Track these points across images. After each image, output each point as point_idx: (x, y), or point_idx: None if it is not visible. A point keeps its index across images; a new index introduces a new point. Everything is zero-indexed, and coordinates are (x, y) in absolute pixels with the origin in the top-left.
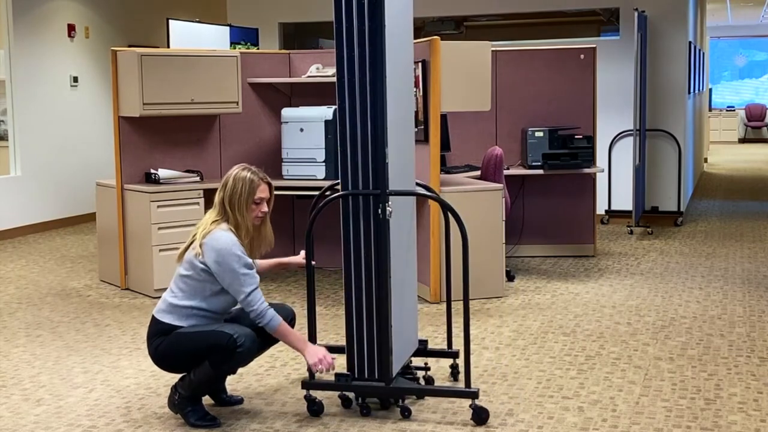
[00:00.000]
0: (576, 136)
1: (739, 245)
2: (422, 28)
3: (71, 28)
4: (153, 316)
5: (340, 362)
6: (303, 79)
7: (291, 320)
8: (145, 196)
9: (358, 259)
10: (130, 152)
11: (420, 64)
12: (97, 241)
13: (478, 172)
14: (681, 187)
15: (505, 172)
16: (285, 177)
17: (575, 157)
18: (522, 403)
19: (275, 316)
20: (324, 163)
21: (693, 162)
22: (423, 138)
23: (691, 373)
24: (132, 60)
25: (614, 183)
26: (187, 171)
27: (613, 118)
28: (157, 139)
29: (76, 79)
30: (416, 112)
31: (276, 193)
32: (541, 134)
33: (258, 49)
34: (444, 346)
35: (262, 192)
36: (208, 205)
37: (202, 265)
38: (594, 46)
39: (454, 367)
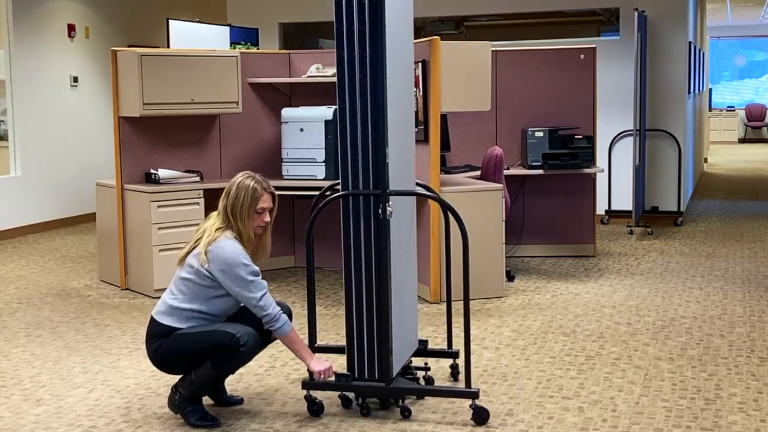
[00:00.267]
0: (576, 136)
1: (739, 245)
2: (422, 28)
3: (71, 28)
4: (152, 318)
5: (340, 362)
6: (303, 79)
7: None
8: (145, 196)
9: (358, 259)
10: (130, 152)
11: (420, 64)
12: (97, 241)
13: (478, 172)
14: (681, 187)
15: (505, 172)
16: (285, 177)
17: (575, 157)
18: (522, 403)
19: (287, 321)
20: (324, 163)
21: (693, 162)
22: (423, 138)
23: (691, 373)
24: (132, 60)
25: (614, 183)
26: (187, 171)
27: (613, 118)
28: (157, 139)
29: (76, 79)
30: (416, 112)
31: (276, 193)
32: (541, 134)
33: (258, 49)
34: (444, 346)
35: (265, 202)
36: (208, 205)
37: (206, 272)
38: (594, 46)
39: (454, 367)
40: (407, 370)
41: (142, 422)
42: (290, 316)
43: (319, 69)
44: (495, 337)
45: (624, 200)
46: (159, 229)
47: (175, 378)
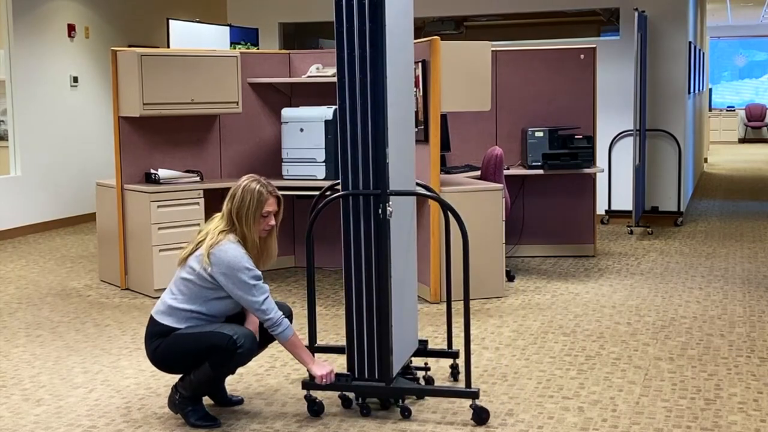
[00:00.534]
0: (576, 136)
1: (739, 245)
2: (422, 28)
3: (71, 28)
4: (151, 317)
5: (340, 362)
6: (303, 79)
7: (288, 318)
8: (145, 196)
9: (358, 259)
10: (130, 152)
11: (420, 64)
12: (97, 241)
13: (478, 172)
14: (681, 187)
15: (505, 172)
16: (285, 177)
17: (575, 157)
18: (522, 403)
19: (289, 326)
20: (324, 163)
21: (693, 162)
22: (423, 138)
23: (691, 373)
24: (132, 60)
25: (614, 183)
26: (187, 171)
27: (613, 118)
28: (157, 139)
29: (76, 79)
30: (416, 112)
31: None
32: (541, 134)
33: (258, 49)
34: (444, 346)
35: (270, 206)
36: (208, 205)
37: (207, 275)
38: (594, 46)
39: (454, 367)
40: (407, 370)
41: (142, 422)
42: (291, 317)
43: (319, 69)
44: (495, 337)
45: (624, 200)
46: (159, 229)
47: (176, 378)
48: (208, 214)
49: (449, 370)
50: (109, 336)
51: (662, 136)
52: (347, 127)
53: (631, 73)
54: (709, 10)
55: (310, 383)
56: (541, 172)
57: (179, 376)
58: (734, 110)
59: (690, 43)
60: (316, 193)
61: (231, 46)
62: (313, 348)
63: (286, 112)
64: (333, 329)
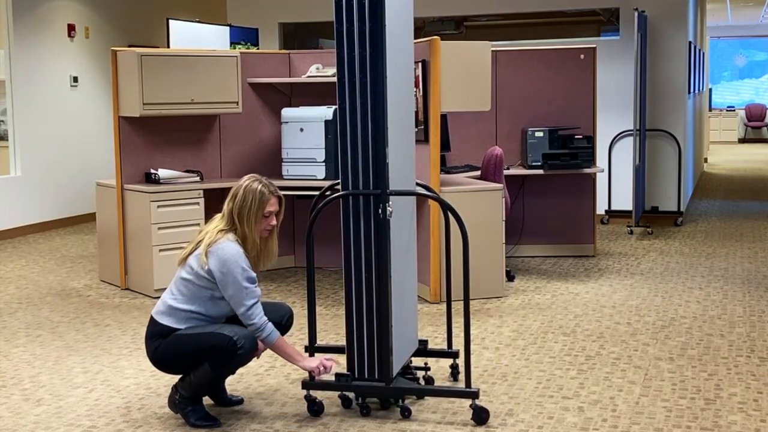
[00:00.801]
0: (576, 136)
1: (739, 245)
2: (422, 28)
3: (71, 28)
4: (152, 317)
5: (340, 362)
6: (303, 79)
7: (289, 319)
8: (145, 196)
9: (358, 259)
10: (130, 152)
11: (420, 64)
12: (97, 241)
13: (478, 172)
14: (681, 187)
15: (505, 172)
16: (285, 177)
17: (575, 157)
18: (522, 403)
19: (273, 330)
20: (324, 163)
21: (693, 162)
22: (423, 138)
23: (691, 373)
24: (132, 60)
25: (614, 183)
26: (187, 171)
27: (613, 118)
28: (157, 139)
29: (76, 79)
30: (416, 112)
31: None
32: (541, 134)
33: (258, 49)
34: (444, 346)
35: (272, 206)
36: (208, 205)
37: (205, 273)
38: (594, 46)
39: (454, 367)
40: (407, 370)
41: (142, 422)
42: (291, 317)
43: (319, 69)
44: (495, 337)
45: (624, 200)
46: (159, 229)
47: (176, 378)
48: (208, 214)
49: (449, 370)
50: (109, 336)
51: (662, 136)
52: (347, 127)
53: (631, 73)
54: (709, 10)
55: (310, 383)
56: (541, 172)
57: (179, 376)
58: (734, 110)
59: (690, 43)
60: (316, 193)
61: (231, 46)
62: (313, 348)
63: (286, 112)
64: (333, 329)
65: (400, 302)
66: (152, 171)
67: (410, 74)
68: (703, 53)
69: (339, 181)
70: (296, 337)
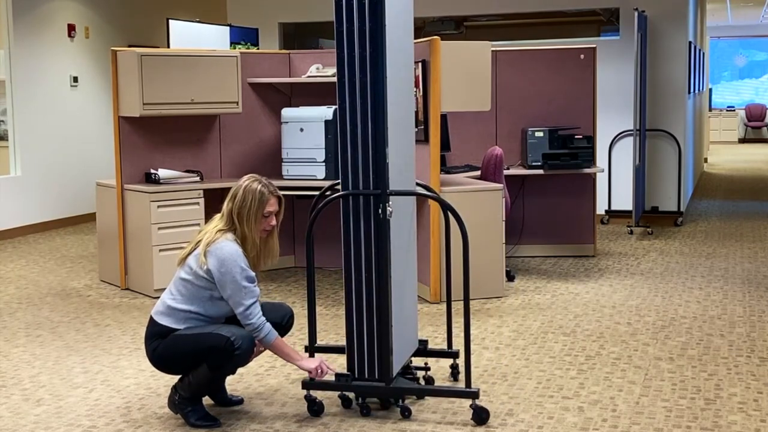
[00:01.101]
0: (576, 136)
1: (739, 245)
2: (422, 28)
3: (71, 28)
4: (151, 318)
5: (340, 362)
6: (303, 79)
7: (289, 319)
8: (145, 196)
9: (358, 259)
10: (130, 152)
11: (420, 64)
12: (97, 241)
13: (478, 172)
14: (681, 187)
15: (505, 172)
16: (285, 177)
17: (575, 157)
18: (522, 403)
19: (271, 330)
20: (324, 163)
21: (693, 162)
22: (423, 138)
23: (691, 373)
24: (132, 60)
25: (614, 183)
26: (187, 171)
27: (613, 118)
28: (157, 139)
29: (76, 79)
30: (416, 112)
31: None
32: (541, 134)
33: (258, 49)
34: (444, 346)
35: (272, 206)
36: (208, 204)
37: (204, 273)
38: (594, 46)
39: (454, 367)
40: (407, 370)
41: (142, 422)
42: (291, 318)
43: (319, 69)
44: (495, 337)
45: (624, 200)
46: (159, 229)
47: (176, 378)
48: (208, 214)
49: (449, 370)
50: (109, 336)
51: (662, 136)
52: (347, 127)
53: (631, 73)
54: (709, 10)
55: (310, 383)
56: (541, 172)
57: (179, 376)
58: (734, 110)
59: (690, 43)
60: (316, 193)
61: (231, 46)
62: (313, 348)
63: (286, 112)
64: (333, 329)
65: (400, 302)
66: (152, 171)
67: (410, 74)
68: (703, 53)
69: (339, 181)
70: (296, 337)
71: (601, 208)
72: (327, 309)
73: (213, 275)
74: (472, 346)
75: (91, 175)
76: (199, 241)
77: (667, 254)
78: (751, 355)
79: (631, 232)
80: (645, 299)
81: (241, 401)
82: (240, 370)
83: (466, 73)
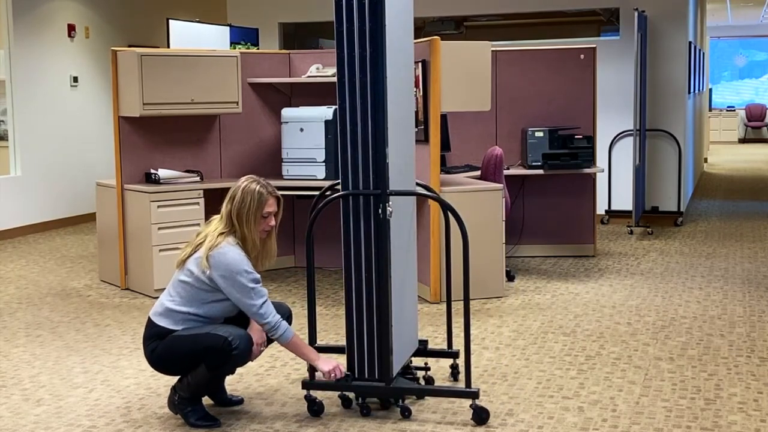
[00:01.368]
0: (576, 136)
1: (739, 245)
2: (422, 28)
3: (71, 28)
4: (149, 319)
5: (340, 362)
6: (303, 79)
7: (288, 318)
8: (145, 196)
9: (358, 259)
10: (130, 152)
11: (420, 64)
12: (97, 241)
13: (478, 172)
14: (681, 187)
15: (505, 172)
16: (285, 177)
17: (575, 157)
18: (522, 403)
19: (288, 328)
20: (324, 163)
21: (693, 162)
22: (423, 138)
23: (691, 373)
24: (132, 60)
25: (614, 183)
26: (187, 171)
27: (613, 118)
28: (157, 139)
29: (76, 79)
30: (416, 112)
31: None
32: (541, 134)
33: (258, 49)
34: (444, 346)
35: (271, 206)
36: (208, 204)
37: (206, 279)
38: (594, 46)
39: (454, 367)
40: (407, 370)
41: (142, 422)
42: (290, 317)
43: (319, 69)
44: (495, 337)
45: (624, 200)
46: (159, 229)
47: (176, 378)
48: (208, 214)
49: (449, 370)
50: (109, 336)
51: (662, 136)
52: (347, 127)
53: (631, 73)
54: (709, 10)
55: (310, 383)
56: (541, 172)
57: (178, 376)
58: (734, 110)
59: (690, 43)
60: (316, 193)
61: (231, 46)
62: (313, 348)
63: (286, 112)
64: (333, 329)
65: (400, 302)
66: (152, 171)
67: (410, 74)
68: (703, 53)
69: (339, 181)
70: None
71: (601, 208)
72: (327, 309)
73: (217, 281)
74: (472, 346)
75: (91, 175)
76: (200, 244)
77: (667, 254)
78: (751, 355)
79: (631, 232)
80: (645, 299)
81: (241, 401)
82: (240, 370)
83: (466, 73)
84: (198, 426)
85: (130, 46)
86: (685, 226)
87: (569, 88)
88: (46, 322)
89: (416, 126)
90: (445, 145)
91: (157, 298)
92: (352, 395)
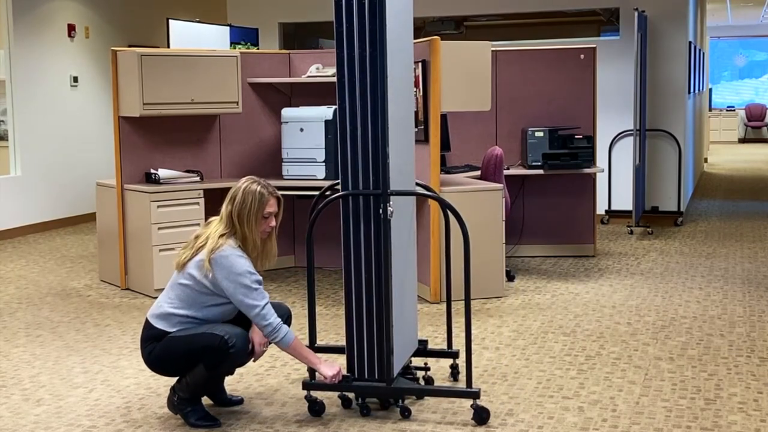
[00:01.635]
0: (576, 136)
1: (739, 245)
2: (422, 28)
3: (71, 28)
4: (147, 320)
5: (340, 362)
6: (303, 79)
7: (287, 319)
8: (145, 196)
9: (358, 259)
10: (130, 152)
11: (420, 64)
12: (97, 241)
13: (478, 172)
14: (681, 187)
15: (505, 172)
16: (285, 177)
17: (575, 157)
18: (522, 403)
19: (289, 331)
20: (324, 163)
21: (693, 162)
22: (423, 138)
23: (691, 373)
24: (132, 60)
25: (614, 183)
26: (187, 171)
27: (613, 118)
28: (157, 139)
29: (76, 79)
30: (416, 112)
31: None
32: (541, 134)
33: (258, 49)
34: (444, 346)
35: (271, 206)
36: (208, 204)
37: (208, 282)
38: (594, 46)
39: (454, 368)
40: (407, 370)
41: (142, 422)
42: (290, 318)
43: (319, 69)
44: (495, 337)
45: (624, 200)
46: (159, 229)
47: (175, 378)
48: (208, 214)
49: (449, 370)
50: (109, 336)
51: (662, 136)
52: (347, 127)
53: (631, 73)
54: (709, 10)
55: (310, 383)
56: (541, 172)
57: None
58: (734, 110)
59: (690, 43)
60: (316, 193)
61: (231, 46)
62: (313, 348)
63: (286, 112)
64: (333, 329)
65: (400, 302)
66: (152, 171)
67: (410, 74)
68: (703, 53)
69: (339, 181)
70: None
71: (601, 208)
72: (327, 309)
73: (220, 283)
74: (472, 346)
75: (91, 175)
76: (201, 246)
77: (667, 254)
78: (751, 355)
79: (631, 232)
80: (645, 299)
81: (241, 401)
82: (240, 370)
83: (466, 73)
84: (198, 426)
85: (130, 46)
86: (685, 226)
87: (569, 88)
88: (46, 322)
89: (416, 126)
90: (445, 145)
91: (157, 297)
92: (352, 395)
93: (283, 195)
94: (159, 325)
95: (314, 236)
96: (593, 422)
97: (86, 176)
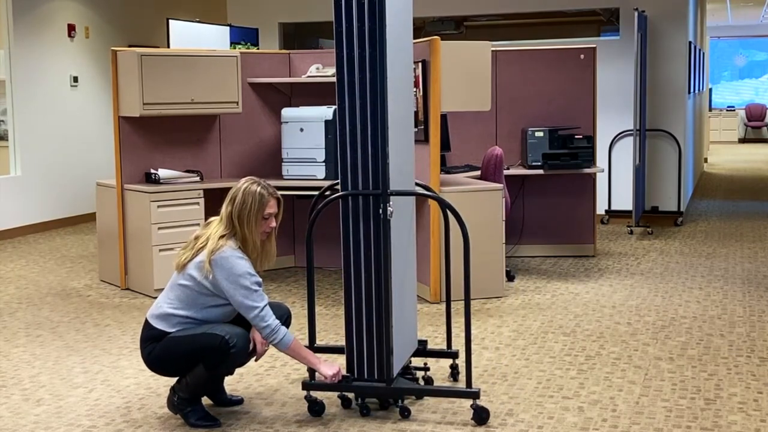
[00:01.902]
0: (576, 136)
1: (739, 245)
2: (422, 28)
3: (71, 28)
4: (146, 320)
5: (340, 362)
6: (303, 79)
7: (287, 319)
8: (145, 196)
9: (358, 259)
10: (130, 152)
11: (420, 64)
12: (97, 241)
13: (478, 172)
14: (681, 187)
15: (505, 172)
16: (285, 177)
17: (575, 157)
18: (522, 403)
19: (288, 332)
20: (324, 163)
21: (693, 162)
22: (423, 138)
23: (691, 373)
24: (132, 60)
25: (614, 183)
26: (187, 171)
27: (613, 118)
28: (157, 139)
29: (76, 79)
30: (416, 112)
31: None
32: (541, 134)
33: (258, 49)
34: (444, 346)
35: (271, 207)
36: (208, 204)
37: (208, 283)
38: (594, 46)
39: (453, 368)
40: (407, 370)
41: (142, 422)
42: (289, 318)
43: (319, 69)
44: (495, 337)
45: (624, 200)
46: (159, 229)
47: (175, 378)
48: (208, 214)
49: (449, 370)
50: (109, 336)
51: (662, 136)
52: (347, 127)
53: (631, 73)
54: (709, 10)
55: (310, 383)
56: (541, 172)
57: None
58: (734, 110)
59: (690, 43)
60: (316, 193)
61: (231, 46)
62: (313, 348)
63: (286, 112)
64: (333, 329)
65: (400, 302)
66: (152, 171)
67: (410, 74)
68: (703, 53)
69: (339, 181)
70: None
71: (601, 208)
72: (327, 309)
73: (220, 285)
74: (472, 346)
75: (91, 175)
76: (201, 247)
77: (667, 254)
78: (751, 355)
79: (631, 232)
80: (645, 299)
81: (241, 401)
82: (239, 370)
83: (466, 73)
84: (198, 426)
85: (130, 46)
86: (685, 226)
87: (569, 88)
88: (46, 322)
89: (416, 126)
90: (445, 145)
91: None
92: (351, 395)
93: (283, 195)
94: (159, 325)
95: (314, 236)
96: (593, 422)
97: (86, 176)
